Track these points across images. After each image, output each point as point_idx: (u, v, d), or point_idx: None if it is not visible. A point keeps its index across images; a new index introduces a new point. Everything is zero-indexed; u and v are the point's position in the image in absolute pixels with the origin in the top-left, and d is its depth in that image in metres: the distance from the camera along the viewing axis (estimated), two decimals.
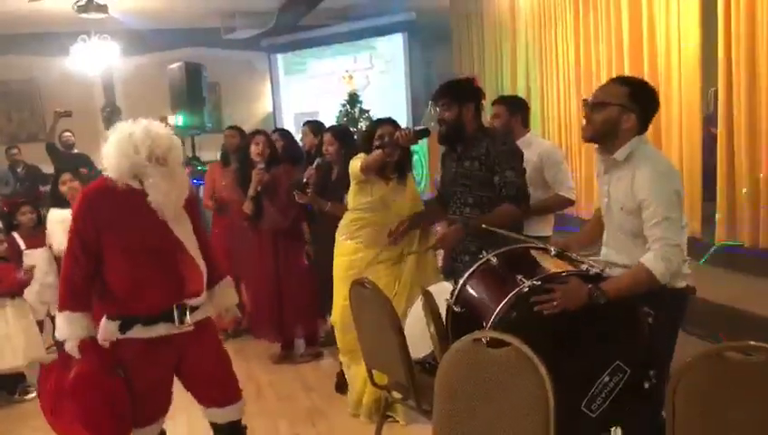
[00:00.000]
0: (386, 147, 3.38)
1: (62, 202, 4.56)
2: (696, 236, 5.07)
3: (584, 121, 2.50)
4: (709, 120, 5.68)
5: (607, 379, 2.29)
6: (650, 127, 5.49)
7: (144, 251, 2.70)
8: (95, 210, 2.66)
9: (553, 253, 2.60)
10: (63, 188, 4.56)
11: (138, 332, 2.69)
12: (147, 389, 2.77)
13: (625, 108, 2.37)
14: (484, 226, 2.94)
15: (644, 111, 2.40)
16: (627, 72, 5.81)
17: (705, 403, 1.86)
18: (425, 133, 3.41)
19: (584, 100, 2.52)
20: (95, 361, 2.65)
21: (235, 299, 3.09)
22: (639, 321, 2.31)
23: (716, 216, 4.85)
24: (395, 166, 3.53)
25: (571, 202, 3.89)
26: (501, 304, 2.29)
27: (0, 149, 8.39)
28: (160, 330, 2.72)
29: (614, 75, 5.85)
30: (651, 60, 5.54)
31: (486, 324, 2.30)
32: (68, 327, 2.65)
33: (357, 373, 3.61)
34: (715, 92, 5.17)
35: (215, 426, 3.02)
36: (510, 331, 2.10)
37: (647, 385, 2.32)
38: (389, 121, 3.63)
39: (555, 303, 2.19)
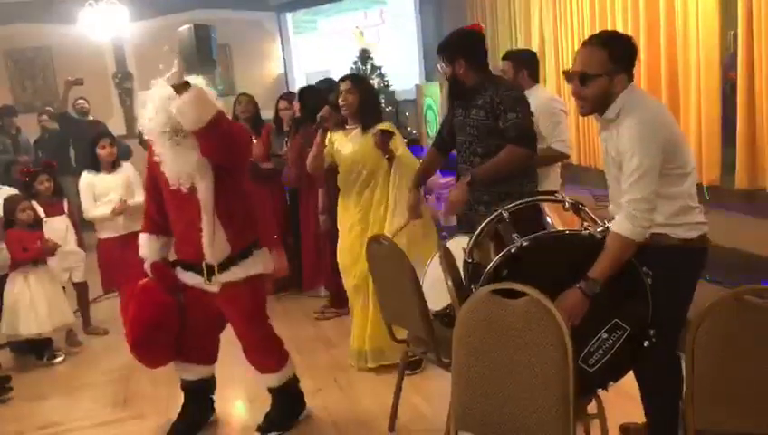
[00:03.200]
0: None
1: (96, 166, 4.59)
2: (715, 184, 5.01)
3: (576, 99, 2.39)
4: (728, 64, 5.54)
5: (605, 335, 2.30)
6: (667, 72, 5.37)
7: (171, 203, 2.93)
8: (151, 158, 2.94)
9: (567, 205, 2.61)
10: (102, 153, 4.54)
11: (179, 273, 3.01)
12: (190, 329, 3.05)
13: (611, 73, 2.28)
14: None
15: (628, 65, 2.32)
16: (642, 18, 5.68)
17: (725, 347, 1.87)
18: (390, 135, 3.65)
19: (565, 72, 2.43)
20: (159, 280, 3.00)
21: (266, 267, 3.09)
22: (637, 280, 2.30)
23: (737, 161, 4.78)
24: (354, 117, 3.73)
25: (563, 156, 3.85)
26: (491, 263, 2.34)
27: (27, 117, 8.44)
28: (188, 279, 2.98)
29: (629, 23, 5.82)
30: (668, 3, 5.40)
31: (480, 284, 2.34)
32: (144, 247, 3.05)
33: (355, 323, 3.83)
34: (735, 35, 5.03)
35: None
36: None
37: (646, 344, 2.33)
38: (347, 78, 3.79)
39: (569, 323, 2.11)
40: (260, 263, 3.01)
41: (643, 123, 2.22)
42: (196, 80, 2.73)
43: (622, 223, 2.22)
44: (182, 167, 2.80)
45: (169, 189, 2.86)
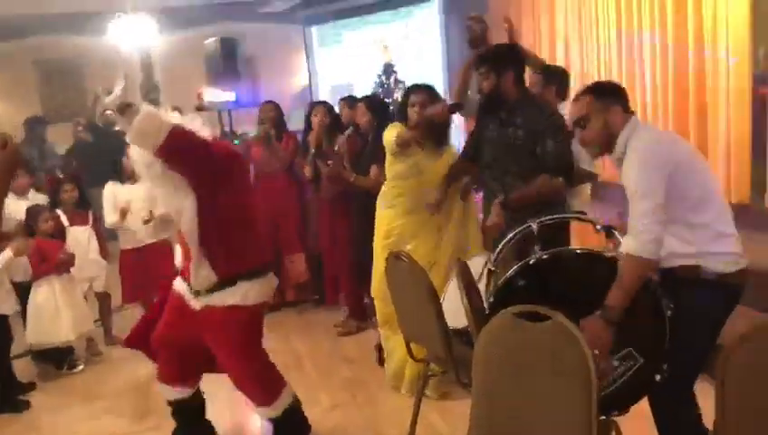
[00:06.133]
0: (419, 125, 3.34)
1: (120, 177, 4.66)
2: (744, 202, 4.90)
3: (586, 148, 2.51)
4: (759, 81, 5.45)
5: (616, 363, 2.26)
6: (695, 88, 5.27)
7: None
8: None
9: (599, 228, 2.58)
10: (126, 162, 4.58)
11: (175, 282, 3.03)
12: (171, 343, 3.02)
13: (604, 110, 2.35)
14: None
15: (618, 98, 2.38)
16: (671, 39, 5.60)
17: (759, 376, 1.80)
18: (458, 108, 3.39)
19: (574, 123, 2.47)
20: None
21: (248, 299, 2.91)
22: (657, 311, 2.25)
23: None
24: (429, 133, 3.47)
25: (591, 176, 3.80)
26: (509, 272, 2.35)
27: (57, 127, 8.62)
28: (178, 286, 3.00)
29: (657, 44, 5.75)
30: (696, 22, 5.31)
31: (493, 290, 2.39)
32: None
33: (396, 345, 3.61)
34: (766, 52, 4.95)
35: None
36: (516, 298, 2.16)
37: (658, 378, 2.28)
38: (423, 88, 3.56)
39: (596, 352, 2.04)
40: (241, 294, 2.85)
41: (638, 152, 2.27)
42: (147, 106, 2.67)
43: (628, 242, 2.23)
44: (171, 202, 2.79)
45: None
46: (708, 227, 2.26)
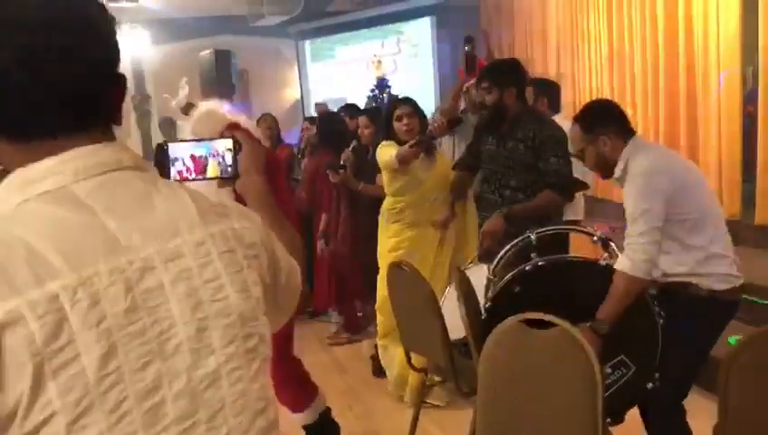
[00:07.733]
0: (420, 143, 3.36)
1: None
2: (735, 218, 4.97)
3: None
4: (748, 100, 5.55)
5: (609, 371, 2.30)
6: (686, 109, 5.35)
7: None
8: None
9: (595, 238, 2.61)
10: None
11: None
12: None
13: (593, 141, 2.39)
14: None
15: (610, 127, 2.39)
16: (662, 54, 5.70)
17: (759, 384, 1.83)
18: (458, 122, 3.44)
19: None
20: None
21: None
22: (649, 319, 2.29)
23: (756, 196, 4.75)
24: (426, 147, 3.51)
25: (584, 186, 3.85)
26: (506, 278, 2.40)
27: None
28: None
29: (648, 57, 5.83)
30: (687, 39, 5.41)
31: (490, 296, 2.44)
32: None
33: (396, 355, 3.62)
34: (754, 70, 5.04)
35: None
36: (512, 304, 2.20)
37: (650, 386, 2.32)
38: (407, 101, 3.61)
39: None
40: None
41: (636, 174, 2.29)
42: (208, 103, 2.76)
43: (623, 261, 2.26)
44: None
45: None
46: (703, 248, 2.29)
